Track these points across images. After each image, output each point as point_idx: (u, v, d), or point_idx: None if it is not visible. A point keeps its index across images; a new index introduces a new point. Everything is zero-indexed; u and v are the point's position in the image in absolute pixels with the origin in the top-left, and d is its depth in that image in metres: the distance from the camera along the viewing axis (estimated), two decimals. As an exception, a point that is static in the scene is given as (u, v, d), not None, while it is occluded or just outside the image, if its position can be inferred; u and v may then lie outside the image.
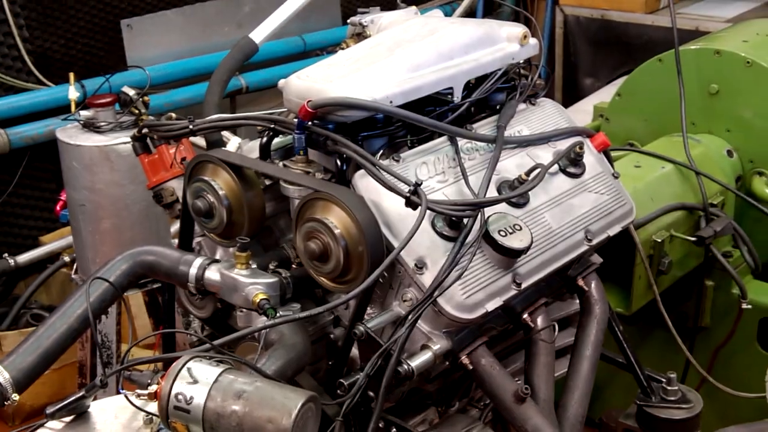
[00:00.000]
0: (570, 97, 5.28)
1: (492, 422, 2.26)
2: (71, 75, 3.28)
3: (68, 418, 1.57)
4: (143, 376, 1.53)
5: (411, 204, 1.76)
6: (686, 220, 3.02)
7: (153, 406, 1.50)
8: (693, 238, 2.97)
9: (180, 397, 1.43)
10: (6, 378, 1.73)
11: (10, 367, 1.76)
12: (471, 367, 1.92)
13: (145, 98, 3.02)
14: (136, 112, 3.00)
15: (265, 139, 2.02)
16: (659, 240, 2.90)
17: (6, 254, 4.09)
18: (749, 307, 2.99)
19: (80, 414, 1.58)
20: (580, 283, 2.15)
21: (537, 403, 1.95)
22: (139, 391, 1.50)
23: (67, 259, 4.03)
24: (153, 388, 1.47)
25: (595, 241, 2.10)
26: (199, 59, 4.71)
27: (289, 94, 1.97)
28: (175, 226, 2.40)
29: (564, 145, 2.16)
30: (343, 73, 1.96)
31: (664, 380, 2.30)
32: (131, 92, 3.00)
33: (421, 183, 1.76)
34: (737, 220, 3.17)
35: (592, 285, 2.17)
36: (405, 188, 1.76)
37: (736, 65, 3.25)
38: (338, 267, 1.82)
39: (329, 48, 5.19)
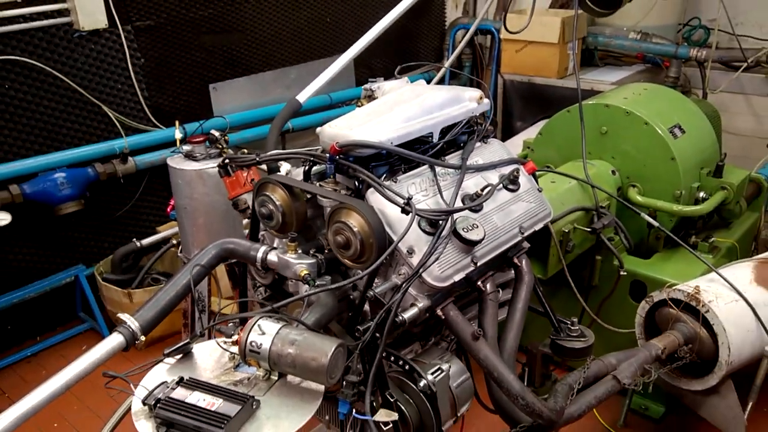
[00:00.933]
0: (507, 134, 5.27)
1: (456, 350, 2.26)
2: (176, 122, 3.27)
3: (178, 356, 1.56)
4: (228, 329, 1.51)
5: (405, 211, 1.76)
6: (584, 217, 3.01)
7: (235, 348, 1.49)
8: (588, 229, 2.96)
9: (253, 343, 1.43)
10: (136, 325, 1.74)
11: (139, 318, 1.76)
12: (443, 317, 1.93)
13: (226, 137, 2.99)
14: (220, 147, 2.98)
15: (307, 167, 2.02)
16: (566, 230, 2.89)
17: (134, 239, 4.08)
18: (625, 273, 2.98)
19: (186, 353, 1.56)
20: (515, 260, 2.14)
21: (486, 340, 1.95)
22: (226, 339, 1.50)
23: (174, 242, 3.99)
24: (235, 337, 1.46)
25: (525, 234, 2.10)
26: (260, 110, 4.68)
27: (323, 137, 1.96)
28: (246, 222, 2.39)
29: (506, 170, 2.15)
30: (360, 123, 1.95)
31: (569, 322, 2.28)
32: (217, 133, 2.98)
33: (412, 197, 1.76)
34: (618, 217, 3.16)
35: (523, 262, 2.16)
36: (401, 201, 1.76)
37: (619, 114, 3.23)
38: (356, 252, 1.82)
39: (347, 102, 5.17)
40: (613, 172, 3.28)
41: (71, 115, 3.87)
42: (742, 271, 2.77)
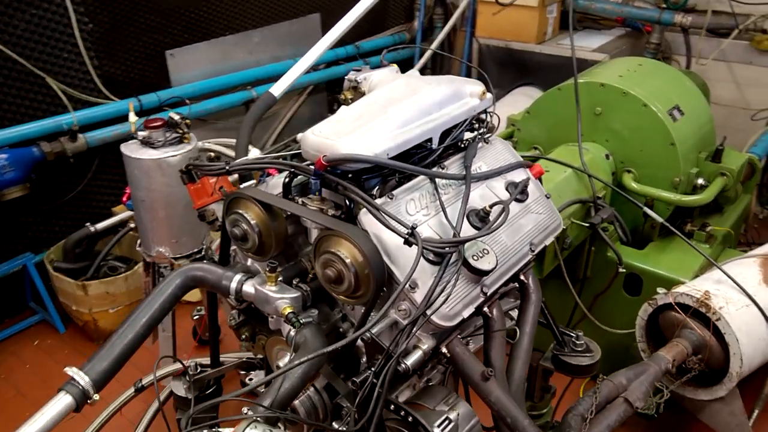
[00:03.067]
0: (483, 101, 4.94)
1: (452, 374, 1.99)
2: (130, 104, 2.84)
3: None
4: None
5: (408, 243, 1.45)
6: (581, 209, 2.74)
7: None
8: (587, 224, 2.70)
9: None
10: (86, 381, 1.42)
11: (90, 371, 1.44)
12: (449, 355, 1.65)
13: (187, 121, 2.61)
14: (181, 131, 2.61)
15: (287, 179, 1.68)
16: (564, 227, 2.61)
17: (88, 223, 3.66)
18: (624, 270, 2.73)
19: None
20: (521, 277, 1.86)
21: (495, 376, 1.68)
22: None
23: (132, 225, 3.61)
24: None
25: (536, 251, 1.81)
26: (221, 78, 4.25)
27: (306, 147, 1.62)
28: (213, 235, 2.04)
29: (511, 176, 1.85)
30: (349, 130, 1.61)
31: (573, 335, 2.04)
32: (177, 117, 2.59)
33: (416, 226, 1.45)
34: (611, 204, 2.91)
35: (530, 278, 1.88)
36: (404, 230, 1.44)
37: (615, 94, 2.94)
38: (350, 287, 1.51)
39: (317, 66, 4.77)
40: (607, 156, 3.01)
41: (12, 88, 3.39)
42: (749, 270, 2.55)
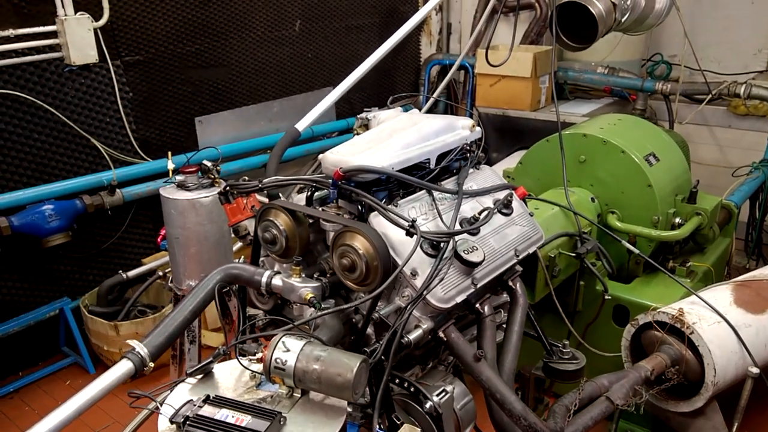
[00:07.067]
0: (483, 165, 5.32)
1: (453, 374, 2.25)
2: (169, 153, 3.23)
3: (199, 376, 1.52)
4: (250, 347, 1.48)
5: (409, 233, 1.76)
6: (568, 242, 3.04)
7: (257, 366, 1.46)
8: (573, 254, 2.99)
9: (278, 360, 1.41)
10: (145, 351, 1.70)
11: (148, 344, 1.73)
12: (445, 339, 1.92)
13: (218, 167, 2.97)
14: (212, 177, 2.96)
15: (309, 193, 2.02)
16: (552, 255, 2.92)
17: (120, 271, 4.00)
18: (609, 297, 3.00)
19: (207, 373, 1.52)
20: (510, 283, 2.15)
21: (486, 362, 1.94)
22: (250, 357, 1.46)
23: (160, 273, 3.93)
24: (259, 355, 1.44)
25: (521, 257, 2.11)
26: (244, 143, 4.69)
27: (326, 163, 1.96)
28: (237, 245, 2.33)
29: (499, 195, 2.17)
30: (361, 150, 1.96)
31: (560, 345, 2.29)
32: (209, 164, 2.96)
33: (416, 220, 1.77)
34: (599, 243, 3.20)
35: (517, 285, 2.16)
36: (405, 223, 1.76)
37: (596, 143, 3.30)
38: (361, 275, 1.80)
39: (328, 134, 5.20)
40: (593, 200, 3.33)
41: (60, 147, 3.82)
42: (721, 294, 2.82)
